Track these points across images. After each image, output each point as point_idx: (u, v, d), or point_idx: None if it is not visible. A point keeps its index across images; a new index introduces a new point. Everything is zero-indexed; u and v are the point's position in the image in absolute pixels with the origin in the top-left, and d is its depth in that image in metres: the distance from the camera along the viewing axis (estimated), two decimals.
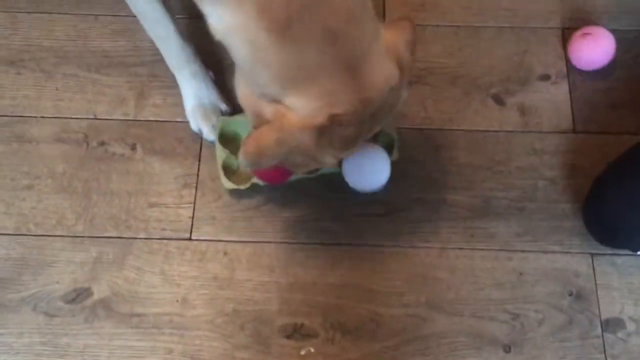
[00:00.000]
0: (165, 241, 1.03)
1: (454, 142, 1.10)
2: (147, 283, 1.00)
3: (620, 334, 0.98)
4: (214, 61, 1.12)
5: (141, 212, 1.05)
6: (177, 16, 1.00)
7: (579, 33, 1.15)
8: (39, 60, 1.16)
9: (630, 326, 0.98)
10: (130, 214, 1.05)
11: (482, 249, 1.03)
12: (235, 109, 1.09)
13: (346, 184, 1.03)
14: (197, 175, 1.08)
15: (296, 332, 0.98)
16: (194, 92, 1.09)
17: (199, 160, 1.09)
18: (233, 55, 0.70)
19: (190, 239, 1.03)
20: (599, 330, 0.98)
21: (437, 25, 1.21)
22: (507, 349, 0.97)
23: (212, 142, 1.07)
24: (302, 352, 0.97)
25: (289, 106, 0.70)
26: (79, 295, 1.00)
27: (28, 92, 1.14)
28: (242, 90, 0.77)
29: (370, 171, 1.02)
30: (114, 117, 1.12)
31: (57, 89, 1.14)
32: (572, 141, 1.10)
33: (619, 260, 1.02)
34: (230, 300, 1.00)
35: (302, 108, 0.70)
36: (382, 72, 0.72)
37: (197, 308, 0.99)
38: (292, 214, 1.05)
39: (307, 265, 1.02)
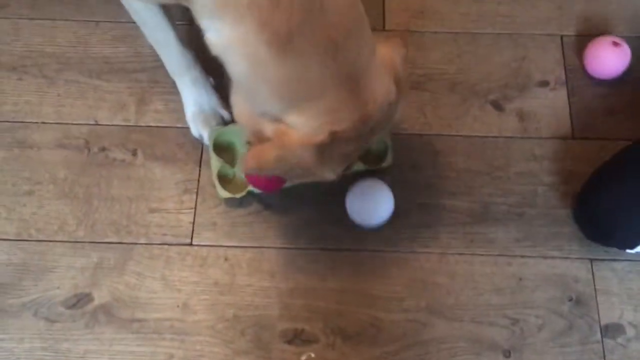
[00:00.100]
0: (166, 246, 1.03)
1: (453, 148, 1.11)
2: (147, 288, 1.01)
3: (619, 340, 0.98)
4: (214, 67, 1.12)
5: (142, 217, 1.05)
6: (178, 22, 1.00)
7: (607, 41, 1.13)
8: (40, 66, 1.17)
9: (630, 331, 0.98)
10: (131, 219, 1.05)
11: (482, 255, 1.03)
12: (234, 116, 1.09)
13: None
14: (198, 180, 1.08)
15: (297, 338, 0.98)
16: (194, 99, 1.09)
17: (200, 166, 1.09)
18: (231, 71, 0.70)
19: (191, 244, 1.04)
20: (599, 335, 0.98)
21: (436, 32, 1.21)
22: (507, 354, 0.97)
23: None
24: (303, 358, 0.97)
25: (289, 124, 0.70)
26: (79, 300, 1.00)
27: (30, 97, 1.14)
28: (240, 108, 0.77)
29: (375, 208, 1.03)
30: (115, 123, 1.12)
31: (58, 95, 1.15)
32: (570, 147, 1.11)
33: (618, 265, 1.02)
34: (230, 306, 1.00)
35: (302, 126, 0.69)
36: (381, 88, 0.71)
37: (197, 313, 0.99)
38: (292, 219, 1.06)
39: (308, 271, 1.02)
